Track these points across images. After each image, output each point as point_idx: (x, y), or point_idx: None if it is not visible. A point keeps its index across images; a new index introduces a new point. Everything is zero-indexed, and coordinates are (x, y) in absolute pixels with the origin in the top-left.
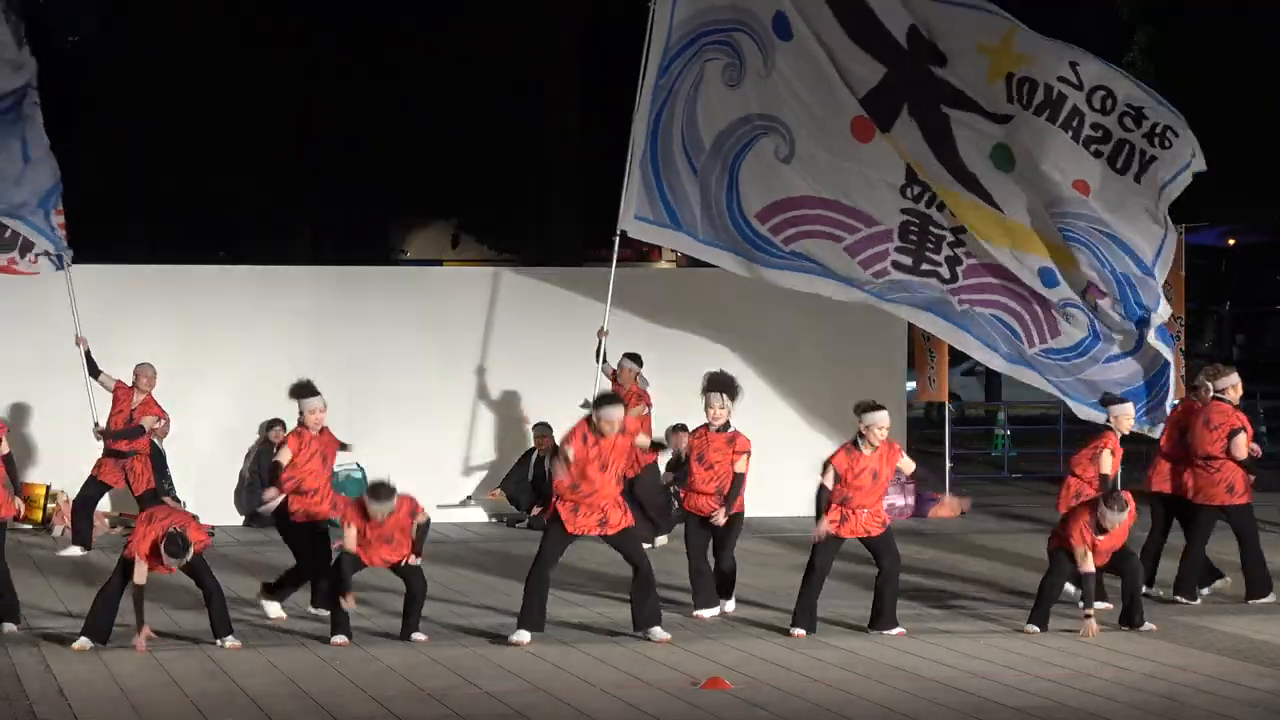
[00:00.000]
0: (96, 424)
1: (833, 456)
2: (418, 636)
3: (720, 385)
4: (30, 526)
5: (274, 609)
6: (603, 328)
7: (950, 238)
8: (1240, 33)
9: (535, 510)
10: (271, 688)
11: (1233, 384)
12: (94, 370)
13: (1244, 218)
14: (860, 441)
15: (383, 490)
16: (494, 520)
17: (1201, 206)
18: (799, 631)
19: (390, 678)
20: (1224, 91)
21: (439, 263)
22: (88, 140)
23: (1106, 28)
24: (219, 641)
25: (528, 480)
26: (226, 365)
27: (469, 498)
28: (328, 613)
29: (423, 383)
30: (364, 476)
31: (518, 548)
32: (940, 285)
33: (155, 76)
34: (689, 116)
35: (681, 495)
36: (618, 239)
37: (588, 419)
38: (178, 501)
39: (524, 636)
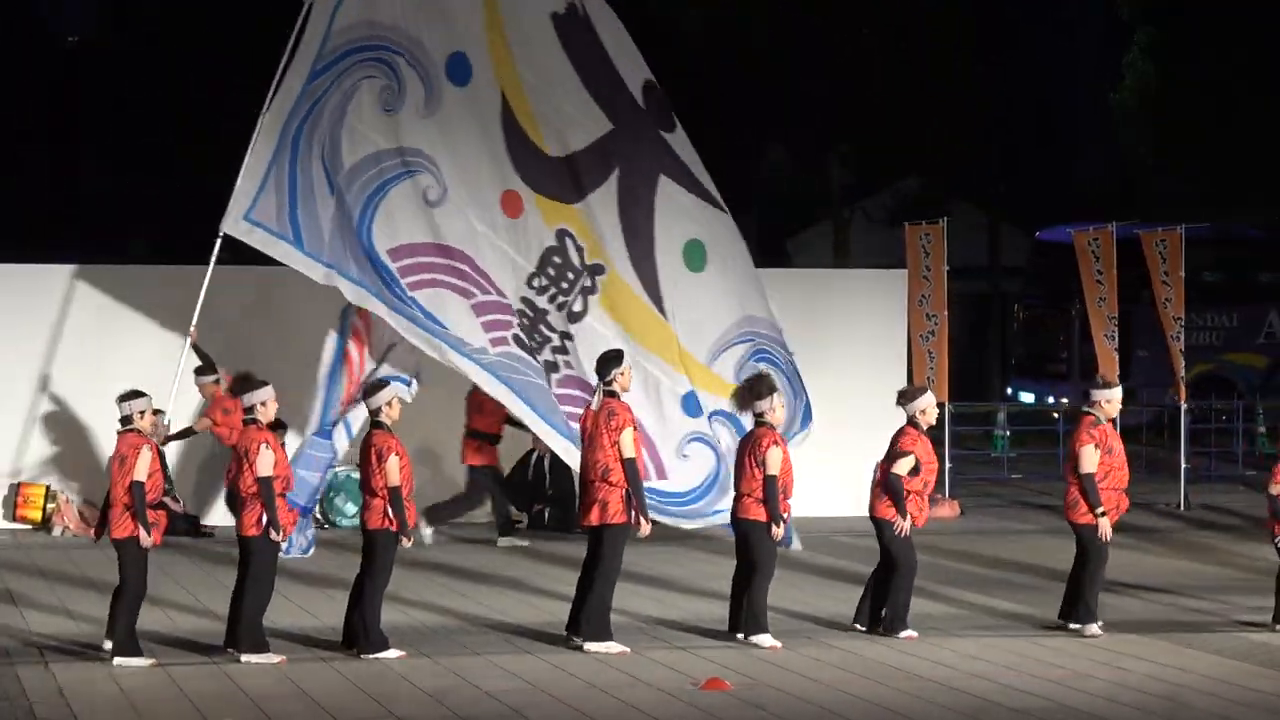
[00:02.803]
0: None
1: (911, 449)
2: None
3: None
4: (30, 527)
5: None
6: (191, 331)
7: (556, 342)
8: (1240, 33)
9: (536, 508)
10: (272, 689)
11: None
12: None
13: (1242, 217)
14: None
15: None
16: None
17: (1201, 206)
18: (910, 634)
19: (390, 678)
20: (1224, 91)
21: None
22: (87, 139)
23: (1106, 27)
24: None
25: (527, 480)
26: (227, 366)
27: None
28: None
29: (425, 382)
30: None
31: (515, 549)
32: (547, 376)
33: (158, 76)
34: (335, 132)
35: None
36: (219, 240)
37: None
38: (176, 501)
39: None
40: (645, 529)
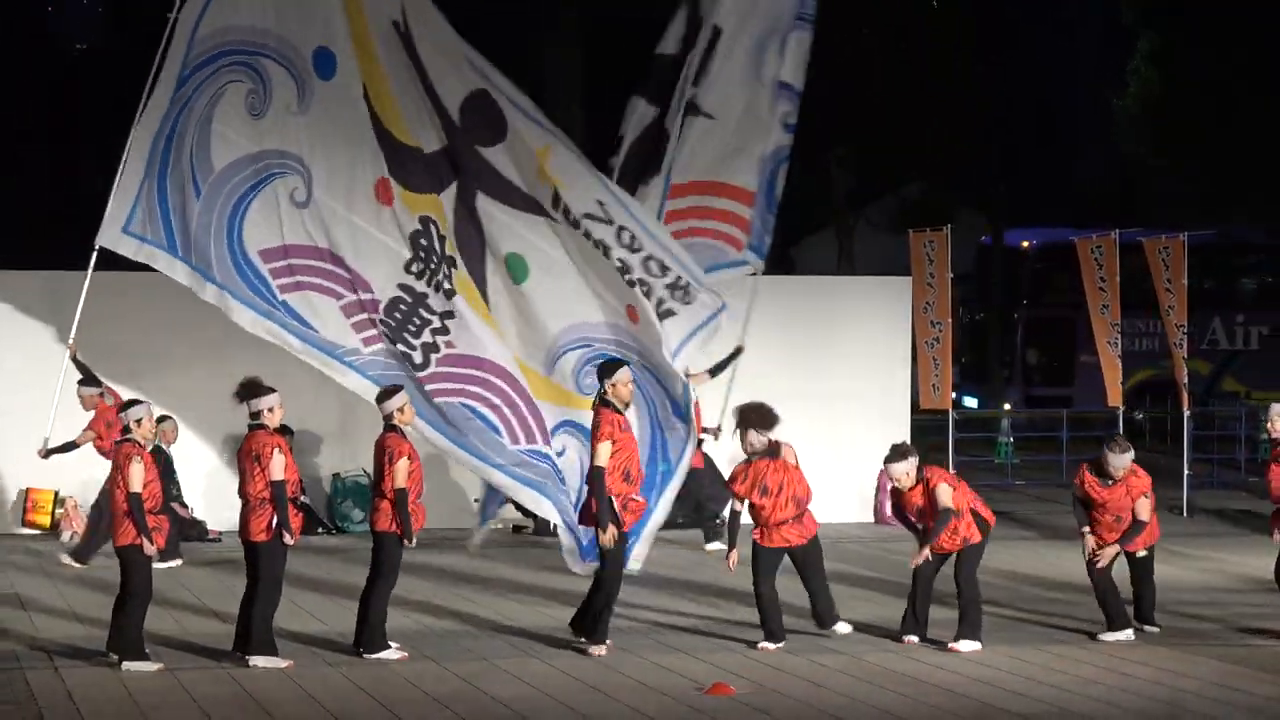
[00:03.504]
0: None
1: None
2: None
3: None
4: (39, 532)
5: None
6: (71, 343)
7: (436, 324)
8: (1240, 33)
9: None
10: (280, 693)
11: None
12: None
13: (1242, 219)
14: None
15: None
16: (499, 525)
17: (1201, 210)
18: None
19: (398, 683)
20: (1224, 92)
21: None
22: (87, 139)
23: (1106, 27)
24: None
25: None
26: (237, 371)
27: (475, 500)
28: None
29: None
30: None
31: (523, 554)
32: (411, 370)
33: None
34: (202, 137)
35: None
36: (95, 252)
37: None
38: (185, 507)
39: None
40: (605, 538)
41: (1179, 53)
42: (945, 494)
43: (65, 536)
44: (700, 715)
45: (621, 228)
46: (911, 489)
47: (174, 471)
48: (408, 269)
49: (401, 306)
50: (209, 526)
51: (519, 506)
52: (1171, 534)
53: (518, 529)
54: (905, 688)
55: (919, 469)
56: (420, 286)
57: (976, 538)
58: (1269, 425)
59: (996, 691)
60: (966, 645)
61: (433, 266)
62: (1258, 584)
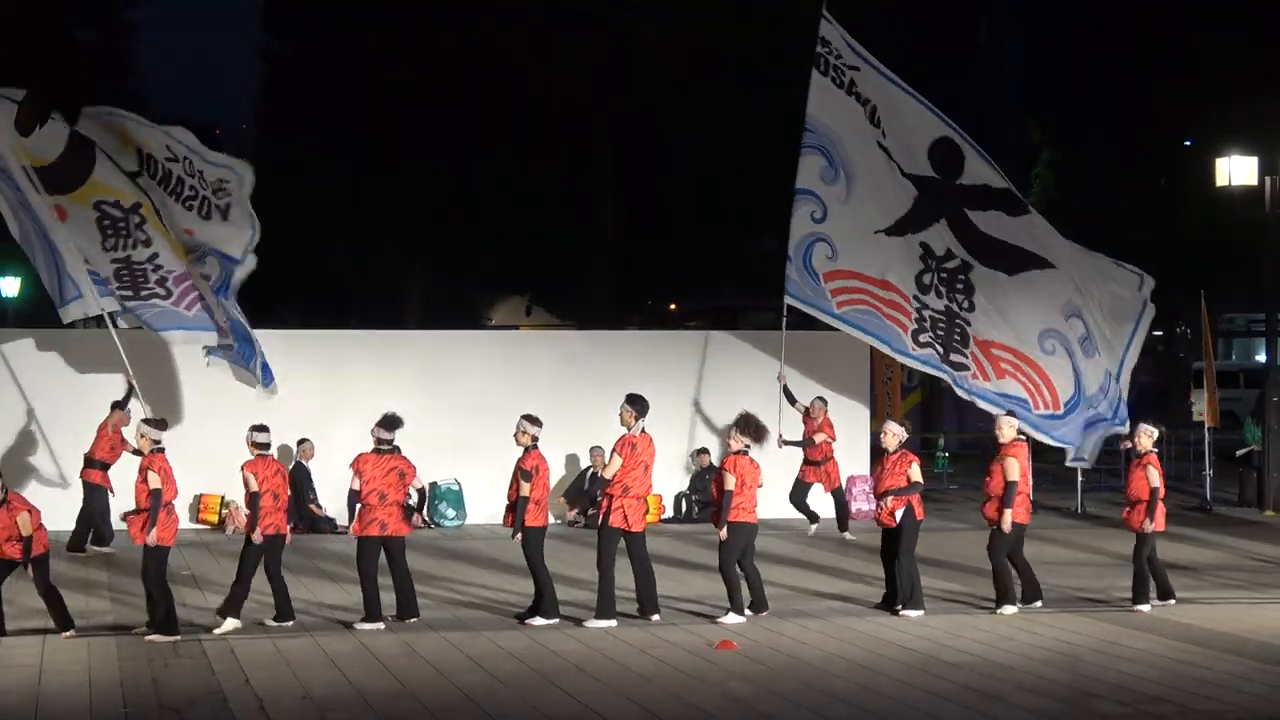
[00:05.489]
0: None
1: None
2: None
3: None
4: (208, 527)
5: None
6: (130, 382)
7: (151, 268)
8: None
9: (589, 512)
10: (393, 650)
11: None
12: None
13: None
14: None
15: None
16: (557, 521)
17: None
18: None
19: (482, 642)
20: (1114, 199)
21: (516, 327)
22: None
23: (1022, 144)
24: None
25: (583, 490)
26: (361, 402)
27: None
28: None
29: (508, 418)
30: (460, 489)
31: (575, 542)
32: (164, 303)
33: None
34: (34, 220)
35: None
36: (68, 324)
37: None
38: (320, 508)
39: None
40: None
41: (1073, 162)
42: (916, 471)
43: (229, 531)
44: (713, 665)
45: (185, 159)
46: (890, 455)
47: (312, 481)
48: (104, 248)
49: (123, 276)
50: (338, 523)
51: (574, 506)
52: (1068, 526)
53: (570, 524)
54: (865, 643)
55: (902, 445)
56: (119, 256)
57: (920, 515)
58: (1135, 441)
59: (937, 646)
60: (912, 612)
61: (124, 232)
62: (1129, 563)
